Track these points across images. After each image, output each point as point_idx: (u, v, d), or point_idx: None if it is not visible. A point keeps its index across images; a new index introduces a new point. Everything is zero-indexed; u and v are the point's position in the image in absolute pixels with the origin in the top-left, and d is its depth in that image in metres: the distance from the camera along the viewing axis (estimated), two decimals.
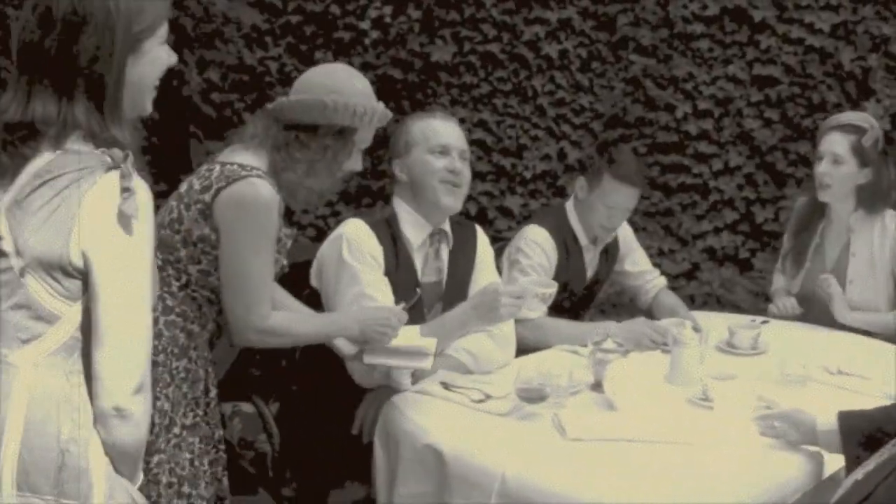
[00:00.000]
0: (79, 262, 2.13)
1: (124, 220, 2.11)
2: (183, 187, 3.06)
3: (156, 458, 2.91)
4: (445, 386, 3.36)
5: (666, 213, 7.53)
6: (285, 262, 3.20)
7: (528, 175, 7.61)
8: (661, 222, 7.52)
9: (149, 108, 2.37)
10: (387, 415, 3.25)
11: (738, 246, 7.42)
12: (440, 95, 7.71)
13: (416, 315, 3.54)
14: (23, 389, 2.14)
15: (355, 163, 3.26)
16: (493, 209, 7.58)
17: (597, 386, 3.39)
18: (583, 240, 4.39)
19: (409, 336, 3.39)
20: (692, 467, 2.86)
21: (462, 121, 7.43)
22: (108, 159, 2.13)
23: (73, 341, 2.17)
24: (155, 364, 2.85)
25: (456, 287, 3.75)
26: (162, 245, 2.99)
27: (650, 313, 4.52)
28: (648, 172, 4.29)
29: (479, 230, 3.91)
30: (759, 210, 7.37)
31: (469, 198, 7.53)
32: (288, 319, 3.18)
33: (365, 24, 7.60)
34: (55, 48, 2.17)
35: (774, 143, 7.30)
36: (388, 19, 7.59)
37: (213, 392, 3.15)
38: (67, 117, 2.18)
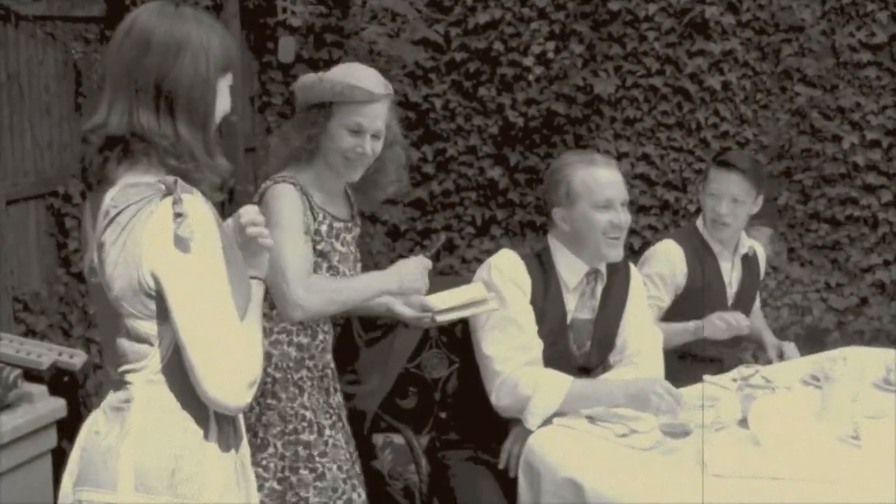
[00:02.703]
0: (151, 284, 2.26)
1: (182, 242, 2.22)
2: None
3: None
4: (590, 420, 3.38)
5: (833, 247, 7.38)
6: (340, 248, 3.40)
7: (692, 208, 7.55)
8: (828, 255, 7.38)
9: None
10: (530, 447, 3.29)
11: None
12: (603, 129, 7.73)
13: (563, 350, 3.59)
14: (139, 404, 2.31)
15: (359, 146, 3.34)
16: (656, 243, 7.53)
17: (744, 422, 3.35)
18: (715, 246, 4.39)
19: (469, 291, 3.49)
20: None
21: (625, 154, 7.47)
22: (162, 187, 2.26)
23: (177, 356, 2.30)
24: (274, 379, 3.27)
25: (607, 324, 3.75)
26: None
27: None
28: (766, 175, 4.28)
29: (633, 268, 3.89)
30: None
31: (632, 231, 7.58)
32: (326, 278, 3.34)
33: (528, 60, 7.68)
34: (152, 69, 2.33)
35: None
36: (550, 54, 7.66)
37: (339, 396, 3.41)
38: (168, 132, 2.33)
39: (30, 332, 5.44)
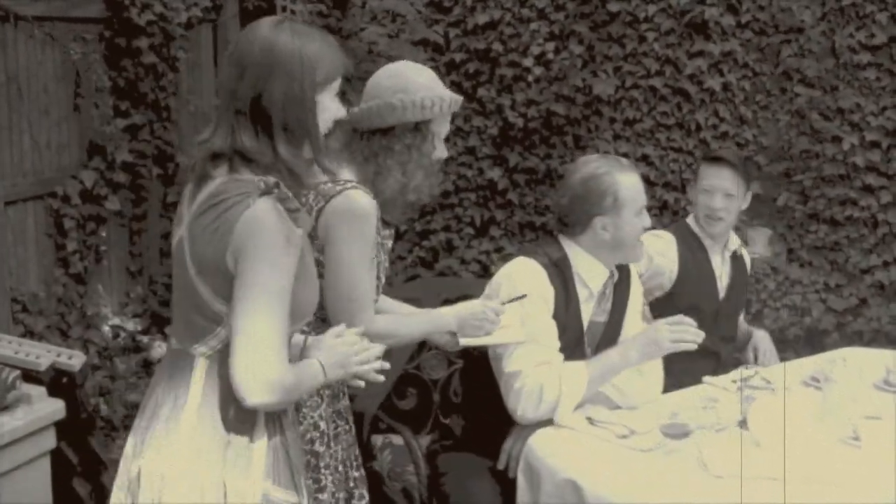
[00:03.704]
0: (231, 268, 2.36)
1: (277, 239, 2.34)
2: None
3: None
4: (590, 421, 3.38)
5: (833, 248, 7.38)
6: (383, 258, 3.31)
7: (691, 209, 7.54)
8: (827, 256, 7.38)
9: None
10: (530, 448, 3.29)
11: None
12: (603, 130, 7.74)
13: (579, 354, 3.59)
14: (199, 376, 2.44)
15: (441, 152, 3.33)
16: None
17: (744, 423, 3.35)
18: (706, 241, 4.41)
19: (508, 335, 3.46)
20: None
21: (625, 155, 7.45)
22: (262, 185, 2.36)
23: None
24: None
25: (616, 322, 3.77)
26: None
27: None
28: (752, 166, 4.31)
29: (633, 269, 3.92)
30: None
31: None
32: (392, 322, 3.31)
33: (528, 61, 7.69)
34: (248, 91, 2.42)
35: None
36: (550, 55, 7.66)
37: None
38: (267, 151, 2.43)
39: (28, 333, 5.45)
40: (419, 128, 3.25)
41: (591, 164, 3.69)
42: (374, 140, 3.25)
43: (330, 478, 3.19)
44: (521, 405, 3.45)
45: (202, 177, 2.46)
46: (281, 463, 2.48)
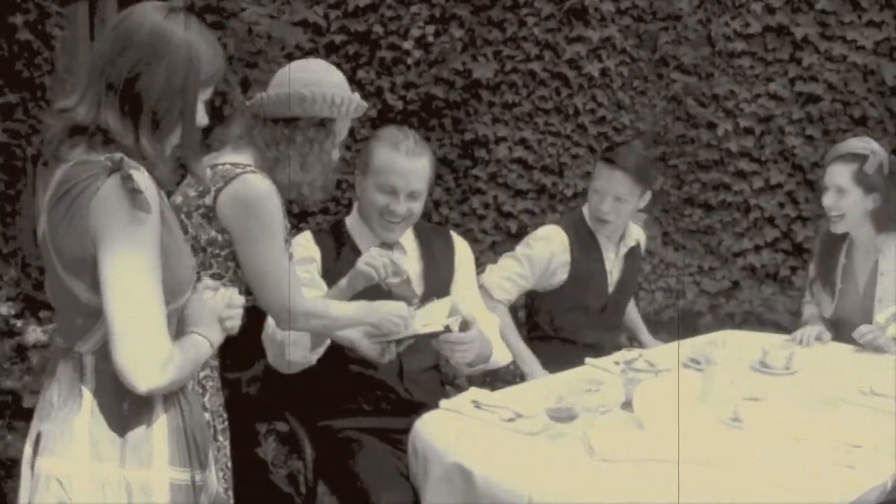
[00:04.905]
0: (96, 255, 2.27)
1: (126, 216, 2.25)
2: (178, 199, 3.17)
3: None
4: (476, 404, 3.38)
5: (706, 231, 7.51)
6: (292, 251, 3.32)
7: (568, 193, 7.62)
8: (701, 240, 7.51)
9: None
10: (417, 432, 3.27)
11: (779, 264, 7.38)
12: (482, 114, 7.75)
13: None
14: (87, 374, 2.35)
15: (336, 153, 3.37)
16: (533, 227, 7.55)
17: (628, 405, 3.39)
18: (600, 236, 4.42)
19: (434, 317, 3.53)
20: (721, 488, 2.84)
21: (503, 139, 7.50)
22: (109, 163, 2.27)
23: None
24: None
25: (434, 292, 3.79)
26: None
27: None
28: (654, 171, 4.26)
29: (454, 235, 4.04)
30: (799, 228, 7.33)
31: (510, 216, 7.63)
32: (323, 303, 3.33)
33: (408, 44, 7.67)
34: (125, 69, 2.34)
35: (816, 160, 7.26)
36: (430, 38, 7.65)
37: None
38: (129, 136, 2.35)
39: None
40: (324, 124, 3.27)
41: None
42: (276, 128, 3.24)
43: (220, 473, 3.15)
44: None
45: (55, 157, 2.37)
46: (184, 445, 2.43)
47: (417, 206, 3.77)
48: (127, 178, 2.25)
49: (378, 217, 3.73)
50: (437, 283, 3.83)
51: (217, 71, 2.47)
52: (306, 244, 3.76)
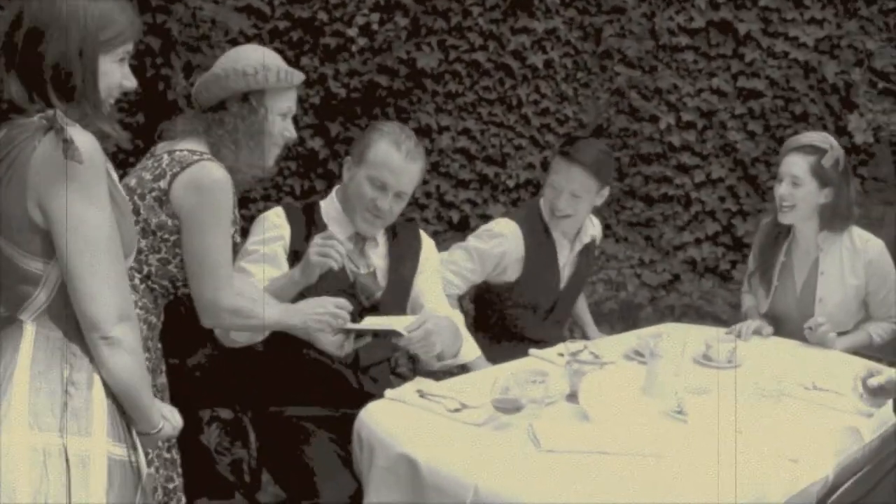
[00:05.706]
0: (38, 219, 2.27)
1: (71, 169, 2.24)
2: (132, 181, 3.15)
3: None
4: (421, 394, 3.37)
5: (647, 224, 7.56)
6: (238, 240, 3.30)
7: (511, 184, 7.63)
8: (642, 233, 7.55)
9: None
10: (361, 421, 3.25)
11: (719, 257, 7.45)
12: (425, 103, 7.73)
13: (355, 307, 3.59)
14: (27, 342, 2.35)
15: (286, 130, 3.33)
16: (475, 217, 7.60)
17: (572, 397, 3.39)
18: (555, 231, 4.39)
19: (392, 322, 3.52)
20: (664, 480, 2.86)
21: (446, 128, 7.49)
22: (45, 122, 2.26)
23: (64, 294, 2.33)
24: None
25: (398, 285, 3.81)
26: None
27: None
28: (613, 167, 4.22)
29: (422, 233, 4.02)
30: (740, 222, 7.40)
31: (452, 206, 7.63)
32: (253, 302, 3.27)
33: (352, 31, 7.63)
34: (21, 45, 2.32)
35: (757, 156, 7.34)
36: (375, 26, 7.62)
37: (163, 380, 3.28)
38: (39, 104, 2.32)
39: None
40: (248, 99, 3.23)
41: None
42: (208, 115, 3.24)
43: (156, 462, 3.12)
44: None
45: None
46: (118, 420, 2.41)
47: (399, 208, 3.75)
48: (60, 131, 2.24)
49: (362, 209, 3.69)
50: (402, 276, 3.81)
51: (124, 30, 2.43)
52: (277, 220, 3.70)
